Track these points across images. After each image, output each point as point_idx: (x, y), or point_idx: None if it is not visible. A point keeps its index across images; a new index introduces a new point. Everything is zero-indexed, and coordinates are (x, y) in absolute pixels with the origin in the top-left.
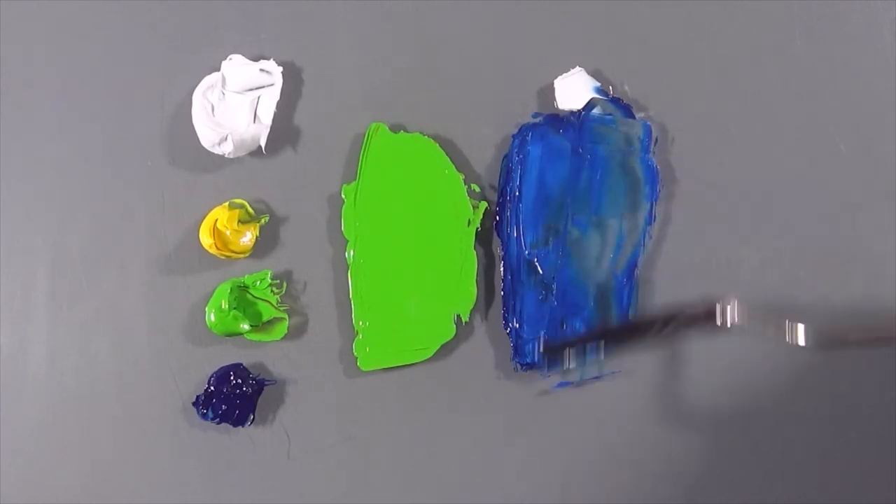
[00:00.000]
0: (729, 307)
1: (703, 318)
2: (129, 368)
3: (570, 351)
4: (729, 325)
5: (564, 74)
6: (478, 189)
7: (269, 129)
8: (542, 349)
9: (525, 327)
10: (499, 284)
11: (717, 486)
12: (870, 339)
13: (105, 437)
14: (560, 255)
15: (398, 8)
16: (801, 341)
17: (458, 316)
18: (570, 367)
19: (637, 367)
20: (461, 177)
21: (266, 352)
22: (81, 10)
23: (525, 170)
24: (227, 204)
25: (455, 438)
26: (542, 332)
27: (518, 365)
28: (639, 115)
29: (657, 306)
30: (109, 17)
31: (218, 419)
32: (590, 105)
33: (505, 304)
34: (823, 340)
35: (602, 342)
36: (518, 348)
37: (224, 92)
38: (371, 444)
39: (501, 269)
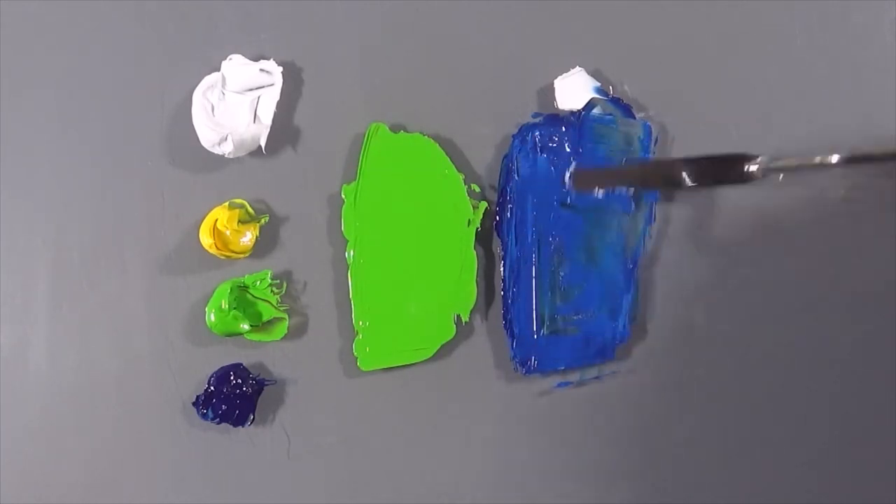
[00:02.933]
0: (761, 159)
1: (735, 165)
2: (129, 368)
3: (600, 183)
4: (759, 174)
5: (564, 74)
6: (478, 189)
7: (269, 129)
8: (572, 175)
9: (525, 328)
10: (499, 284)
11: (719, 486)
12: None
13: (105, 437)
14: (560, 254)
15: (398, 8)
16: (833, 160)
17: (458, 316)
18: (599, 195)
19: (637, 367)
20: (461, 177)
21: (266, 352)
22: (81, 9)
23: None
24: (227, 204)
25: (455, 438)
26: (573, 164)
27: (518, 365)
28: (639, 115)
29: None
30: (109, 17)
31: (218, 419)
32: (590, 105)
33: (505, 304)
34: (852, 157)
35: (632, 181)
36: (517, 349)
37: (224, 92)
38: (371, 444)
39: (501, 269)
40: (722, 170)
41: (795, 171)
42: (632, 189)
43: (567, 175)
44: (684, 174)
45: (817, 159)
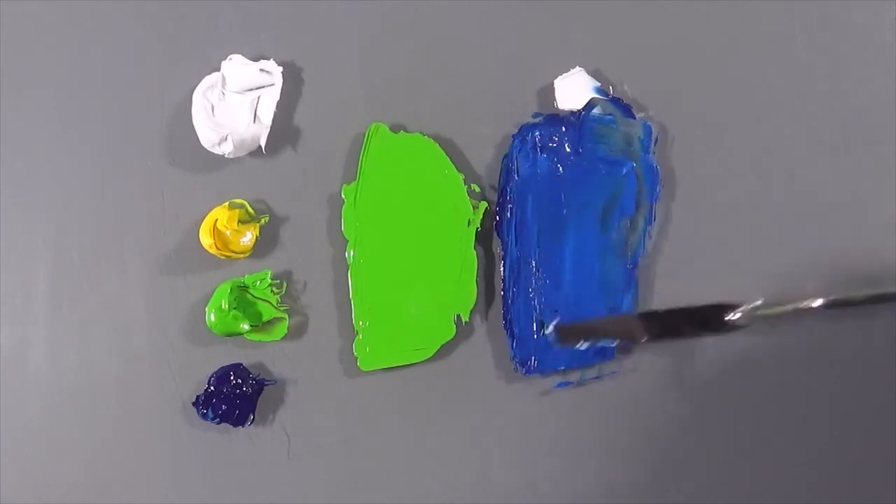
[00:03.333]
0: (742, 309)
1: (716, 315)
2: (129, 368)
3: (584, 337)
4: (740, 322)
5: (564, 74)
6: (478, 189)
7: (269, 129)
8: (555, 329)
9: (525, 328)
10: (499, 284)
11: (719, 486)
12: (875, 296)
13: (105, 437)
14: (560, 254)
15: (398, 8)
16: (816, 304)
17: (458, 316)
18: (583, 348)
19: (637, 367)
20: (461, 177)
21: (266, 352)
22: (81, 9)
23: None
24: (227, 204)
25: (455, 438)
26: (557, 316)
27: (518, 365)
28: (639, 115)
29: (669, 307)
30: (109, 16)
31: (218, 419)
32: (590, 105)
33: (505, 304)
34: (834, 301)
35: (615, 335)
36: (517, 349)
37: (224, 92)
38: (371, 444)
39: (501, 269)
40: (703, 321)
41: (779, 318)
42: (616, 341)
43: (551, 328)
44: (666, 328)
45: (801, 305)
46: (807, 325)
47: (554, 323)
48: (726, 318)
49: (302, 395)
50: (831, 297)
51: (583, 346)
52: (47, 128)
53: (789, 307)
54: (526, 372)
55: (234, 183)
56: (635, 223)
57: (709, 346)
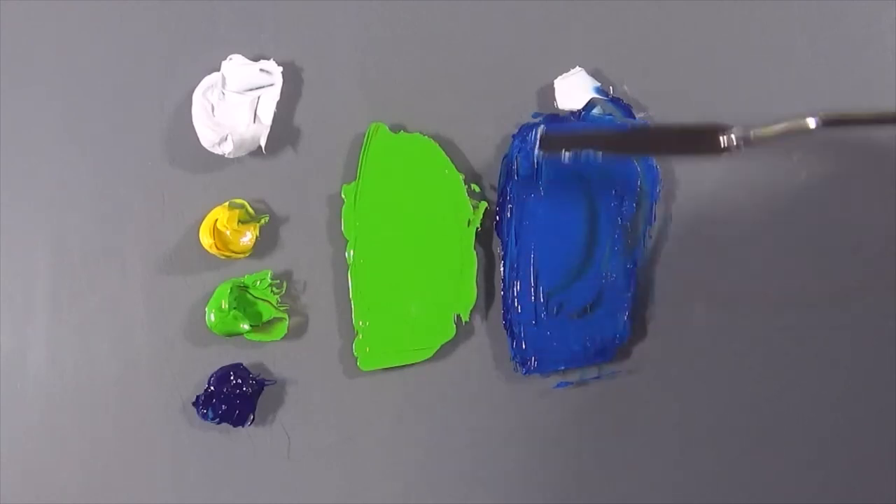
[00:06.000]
0: (734, 131)
1: (707, 136)
2: (129, 368)
3: (569, 147)
4: (734, 146)
5: (564, 74)
6: (478, 189)
7: (269, 129)
8: (541, 138)
9: (524, 328)
10: (499, 284)
11: (719, 486)
12: (873, 117)
13: (105, 438)
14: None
15: (398, 8)
16: (811, 124)
17: (458, 316)
18: (566, 160)
19: (637, 367)
20: (461, 177)
21: (266, 352)
22: (81, 10)
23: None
24: (227, 204)
25: (455, 438)
26: (541, 126)
27: (518, 365)
28: (639, 115)
29: (661, 122)
30: (109, 16)
31: (218, 419)
32: (590, 105)
33: (505, 304)
34: (830, 119)
35: (602, 146)
36: (517, 348)
37: (224, 92)
38: (371, 444)
39: (501, 269)
40: (695, 140)
41: (774, 141)
42: (600, 154)
43: (535, 137)
44: (656, 142)
45: (794, 125)
46: (809, 321)
47: (540, 130)
48: (720, 139)
49: (302, 395)
50: (828, 114)
51: (567, 157)
52: (47, 128)
53: (783, 126)
54: (526, 372)
55: (234, 183)
56: (635, 223)
57: (708, 336)
